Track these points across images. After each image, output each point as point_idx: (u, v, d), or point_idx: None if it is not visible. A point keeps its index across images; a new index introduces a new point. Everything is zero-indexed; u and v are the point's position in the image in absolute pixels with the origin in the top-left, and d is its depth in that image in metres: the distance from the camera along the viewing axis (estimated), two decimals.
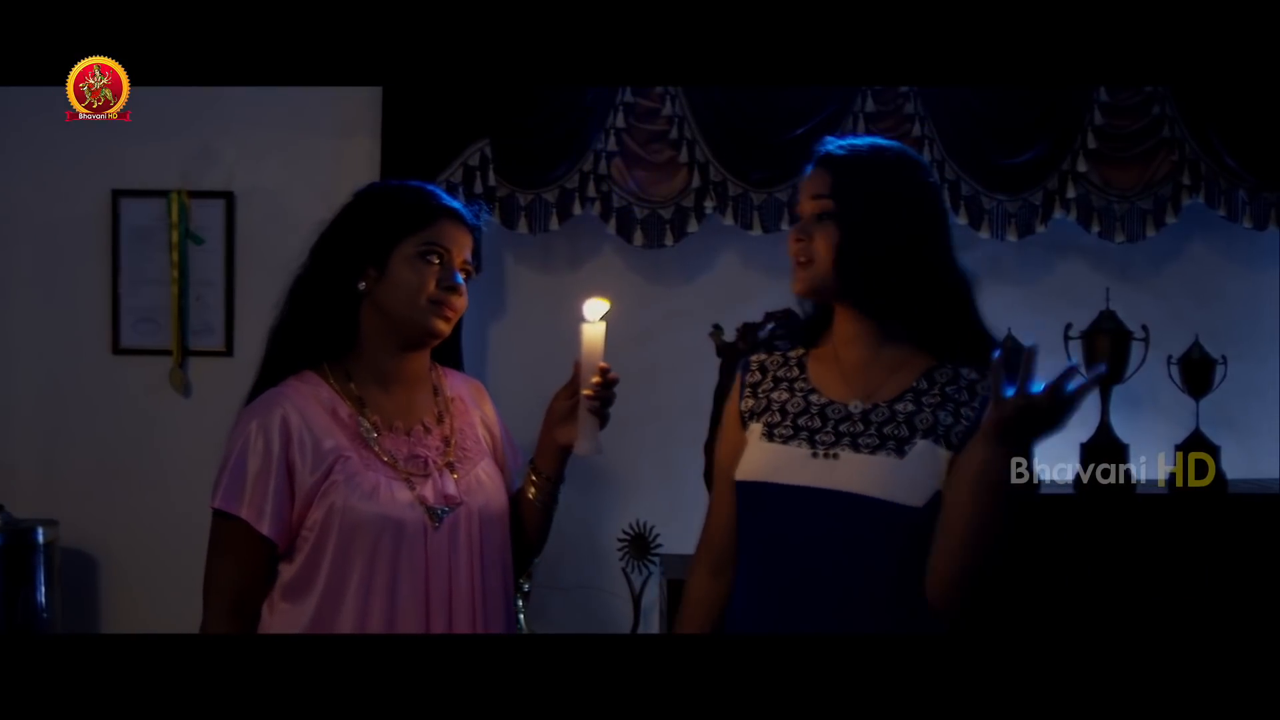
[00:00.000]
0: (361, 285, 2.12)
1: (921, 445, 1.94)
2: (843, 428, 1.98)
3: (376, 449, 2.11)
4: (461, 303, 2.14)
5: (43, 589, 3.54)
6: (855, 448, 1.96)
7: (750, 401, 2.09)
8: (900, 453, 1.94)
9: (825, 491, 1.94)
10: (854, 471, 1.94)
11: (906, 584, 1.92)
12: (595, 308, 2.09)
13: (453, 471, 2.14)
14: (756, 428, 2.06)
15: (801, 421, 2.02)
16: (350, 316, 2.14)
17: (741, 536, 2.06)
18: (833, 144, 2.03)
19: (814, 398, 2.03)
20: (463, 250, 2.15)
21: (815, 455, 1.98)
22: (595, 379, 2.09)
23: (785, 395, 2.06)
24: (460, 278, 2.14)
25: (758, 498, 2.02)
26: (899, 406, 1.97)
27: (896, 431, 1.95)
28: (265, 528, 2.04)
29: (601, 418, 2.12)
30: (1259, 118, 3.59)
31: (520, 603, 3.56)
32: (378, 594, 2.05)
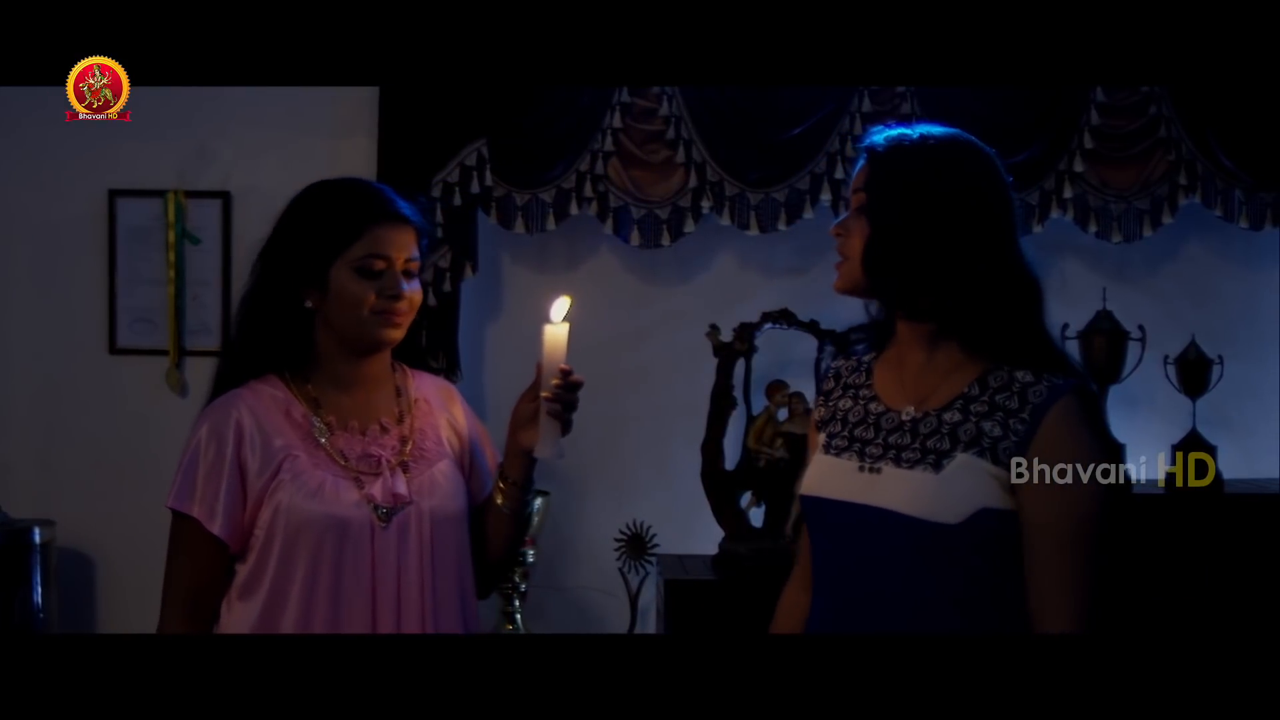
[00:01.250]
0: (309, 304, 2.12)
1: (961, 459, 1.83)
2: (891, 439, 1.90)
3: (327, 448, 2.11)
4: (407, 305, 2.12)
5: (39, 589, 3.53)
6: (897, 462, 1.87)
7: (822, 411, 2.03)
8: (937, 467, 1.83)
9: (866, 508, 1.86)
10: (892, 487, 1.85)
11: (949, 605, 1.82)
12: (559, 308, 2.06)
13: (405, 471, 2.13)
14: (821, 438, 2.00)
15: (857, 432, 1.94)
16: (304, 331, 2.14)
17: (811, 551, 2.01)
18: (878, 134, 1.93)
19: (873, 405, 1.95)
20: (404, 251, 2.11)
21: (862, 469, 1.90)
22: (555, 381, 2.06)
23: (850, 403, 1.99)
24: (405, 284, 2.11)
25: (816, 512, 1.96)
26: (946, 416, 1.86)
27: (938, 445, 1.85)
28: (216, 527, 2.06)
29: (563, 421, 2.09)
30: (1256, 118, 3.60)
31: (517, 602, 3.56)
32: (322, 592, 2.05)
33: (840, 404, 2.00)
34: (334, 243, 2.09)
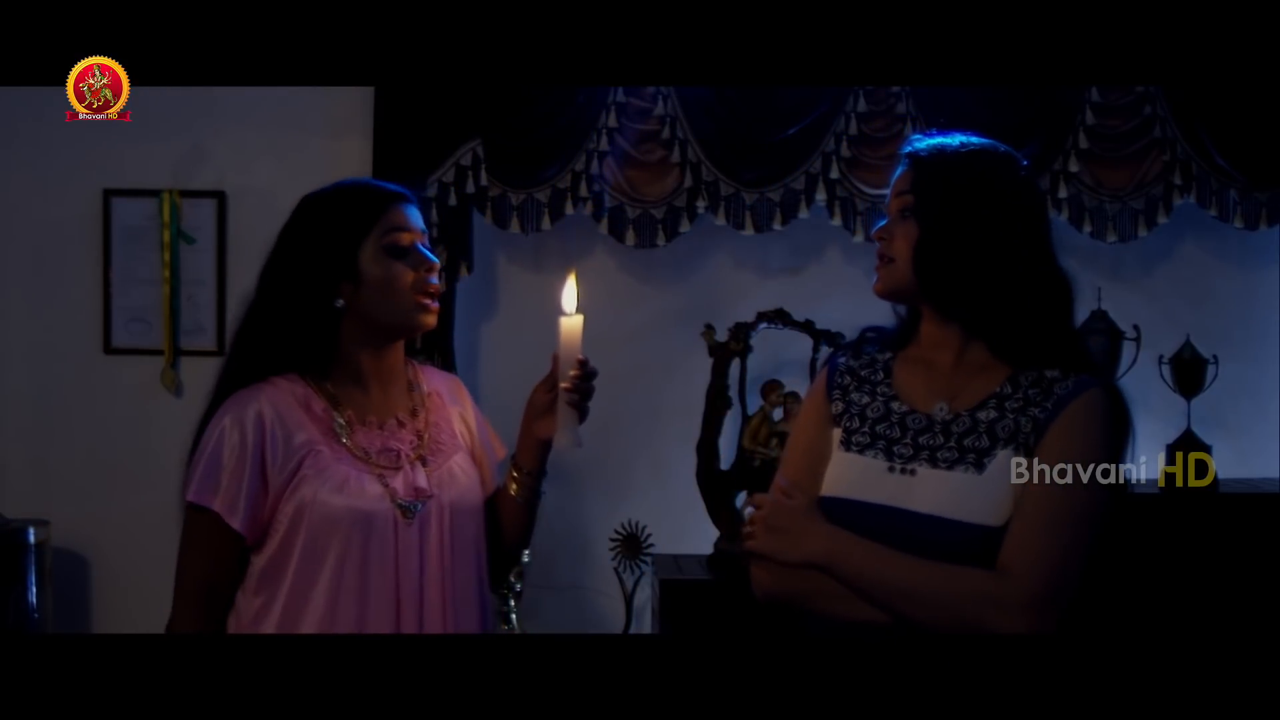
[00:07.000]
0: (339, 303, 2.10)
1: (1001, 456, 1.85)
2: (922, 439, 1.90)
3: (348, 443, 2.10)
4: (439, 280, 2.14)
5: (34, 589, 3.53)
6: (933, 462, 1.87)
7: (840, 405, 1.99)
8: (979, 467, 1.85)
9: (902, 512, 1.85)
10: (931, 490, 1.86)
11: None
12: (569, 296, 2.08)
13: (425, 465, 2.14)
14: (838, 433, 1.97)
15: (880, 429, 1.93)
16: (330, 332, 2.12)
17: None
18: (920, 141, 1.96)
19: (895, 404, 1.95)
20: (418, 225, 2.14)
21: (892, 470, 1.89)
22: (574, 372, 2.08)
23: (867, 399, 1.97)
24: (433, 256, 2.13)
25: (842, 515, 1.89)
26: (981, 415, 1.88)
27: (976, 443, 1.87)
28: (237, 522, 2.04)
29: (580, 411, 2.11)
30: (1250, 118, 3.60)
31: (512, 602, 3.56)
32: (348, 586, 2.05)
33: (858, 399, 1.98)
34: (356, 226, 2.10)
